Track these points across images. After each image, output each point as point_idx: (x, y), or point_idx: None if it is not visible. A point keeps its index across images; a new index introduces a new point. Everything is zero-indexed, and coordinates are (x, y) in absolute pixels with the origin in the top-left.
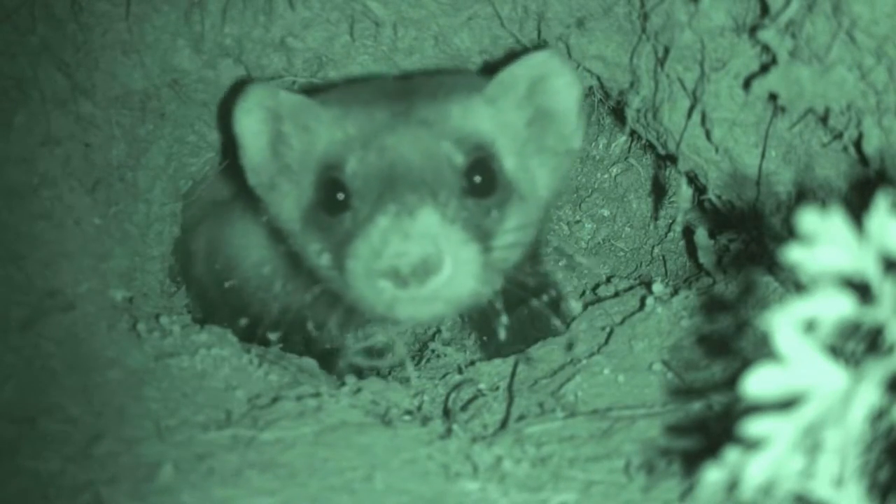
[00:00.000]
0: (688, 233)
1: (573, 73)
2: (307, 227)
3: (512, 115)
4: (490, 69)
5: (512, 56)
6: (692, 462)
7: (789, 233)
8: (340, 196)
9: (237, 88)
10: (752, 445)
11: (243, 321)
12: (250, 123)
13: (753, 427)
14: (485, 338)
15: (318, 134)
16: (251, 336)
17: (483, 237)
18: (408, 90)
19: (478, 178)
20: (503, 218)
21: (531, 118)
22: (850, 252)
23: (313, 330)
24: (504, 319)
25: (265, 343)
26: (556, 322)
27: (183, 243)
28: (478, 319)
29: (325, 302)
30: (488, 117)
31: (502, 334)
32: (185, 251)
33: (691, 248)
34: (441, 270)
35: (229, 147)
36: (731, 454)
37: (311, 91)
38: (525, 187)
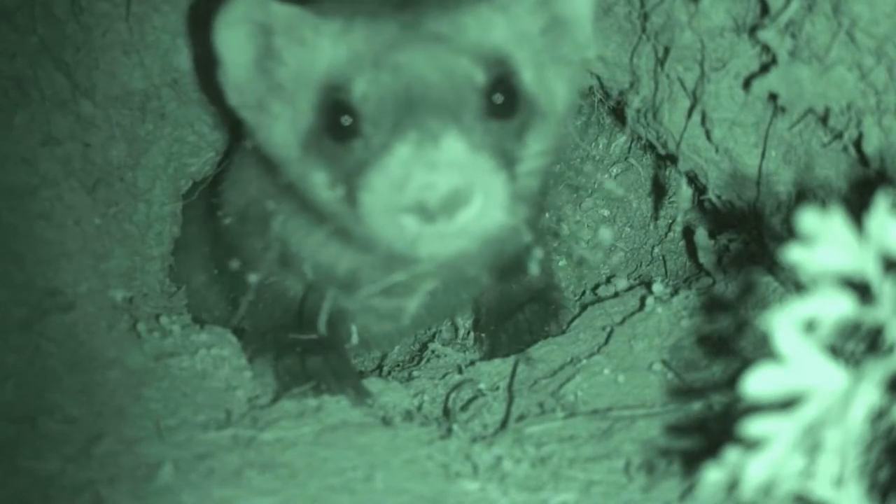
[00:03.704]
0: (688, 233)
1: None
2: (308, 155)
3: (527, 22)
4: None
5: None
6: (692, 462)
7: (789, 233)
8: (347, 121)
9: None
10: (752, 445)
11: (234, 263)
12: (233, 37)
13: (753, 427)
14: (483, 334)
15: (318, 49)
16: (239, 286)
17: (508, 164)
18: None
19: (499, 98)
20: (527, 141)
21: (545, 26)
22: (850, 252)
23: (310, 273)
24: (538, 252)
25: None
26: (553, 327)
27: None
28: (488, 310)
29: (331, 243)
30: (504, 27)
31: (535, 269)
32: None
33: (691, 248)
34: (471, 203)
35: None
36: (731, 454)
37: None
38: (545, 103)
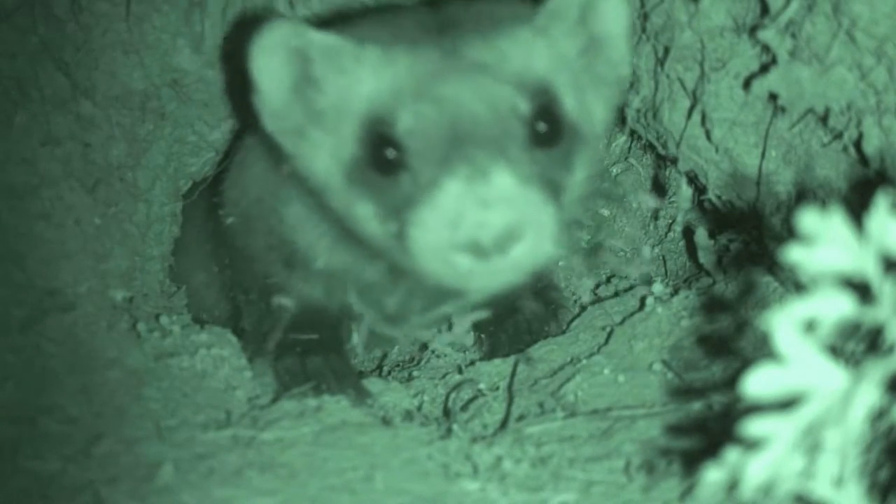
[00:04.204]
0: (688, 233)
1: None
2: (352, 186)
3: (565, 45)
4: None
5: None
6: (692, 462)
7: (789, 233)
8: (392, 153)
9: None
10: (752, 445)
11: (237, 264)
12: (271, 64)
13: (753, 427)
14: (483, 335)
15: (359, 79)
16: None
17: (555, 193)
18: (449, 23)
19: (543, 127)
20: (572, 168)
21: (583, 46)
22: (850, 252)
23: (357, 305)
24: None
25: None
26: (553, 326)
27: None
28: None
29: (340, 246)
30: (543, 52)
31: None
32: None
33: (691, 248)
34: (523, 238)
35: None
36: (731, 454)
37: (328, 23)
38: (586, 127)
